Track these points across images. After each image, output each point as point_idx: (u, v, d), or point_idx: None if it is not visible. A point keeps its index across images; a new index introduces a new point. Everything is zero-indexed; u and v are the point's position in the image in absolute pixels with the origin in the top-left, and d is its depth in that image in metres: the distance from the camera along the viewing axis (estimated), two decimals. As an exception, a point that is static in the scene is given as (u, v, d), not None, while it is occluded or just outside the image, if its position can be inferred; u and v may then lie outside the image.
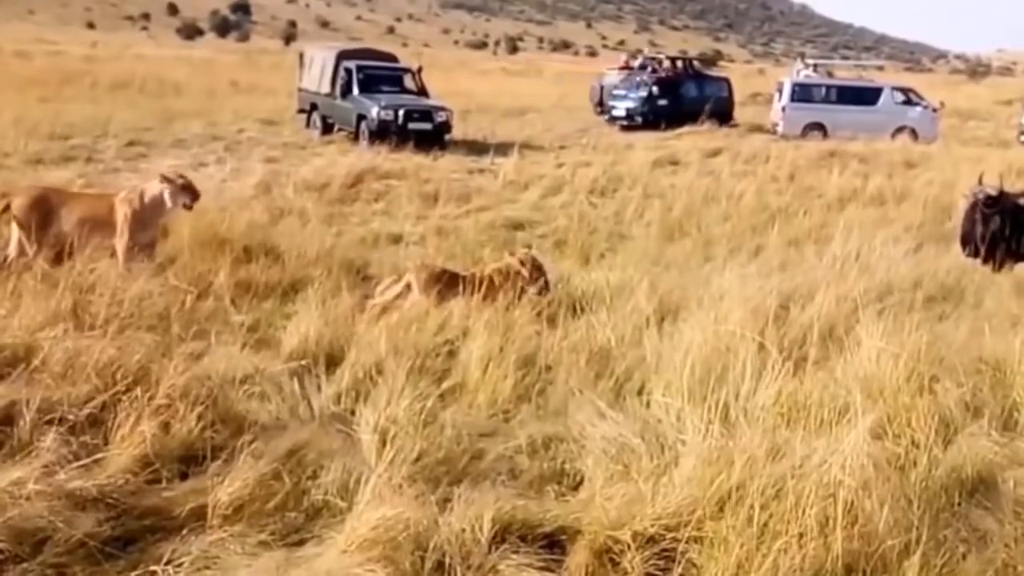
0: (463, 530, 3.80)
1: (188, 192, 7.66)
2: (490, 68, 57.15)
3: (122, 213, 7.47)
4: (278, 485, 4.20)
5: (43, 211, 7.45)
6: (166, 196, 7.56)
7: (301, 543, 3.87)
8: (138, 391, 4.68)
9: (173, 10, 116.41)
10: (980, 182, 8.09)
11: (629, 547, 3.75)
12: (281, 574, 3.55)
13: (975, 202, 7.80)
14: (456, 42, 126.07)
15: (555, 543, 3.94)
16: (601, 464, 4.49)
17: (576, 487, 4.46)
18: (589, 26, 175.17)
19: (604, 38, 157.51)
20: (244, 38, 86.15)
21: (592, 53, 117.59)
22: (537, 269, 7.61)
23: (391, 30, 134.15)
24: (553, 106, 30.64)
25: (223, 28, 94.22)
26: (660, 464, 4.40)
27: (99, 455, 4.27)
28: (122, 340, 5.27)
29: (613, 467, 4.44)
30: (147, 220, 7.54)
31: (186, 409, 4.62)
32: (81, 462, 4.14)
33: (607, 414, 4.98)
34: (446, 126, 20.20)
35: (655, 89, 26.80)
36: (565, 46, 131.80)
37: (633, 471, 4.36)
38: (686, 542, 3.77)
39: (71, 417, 4.48)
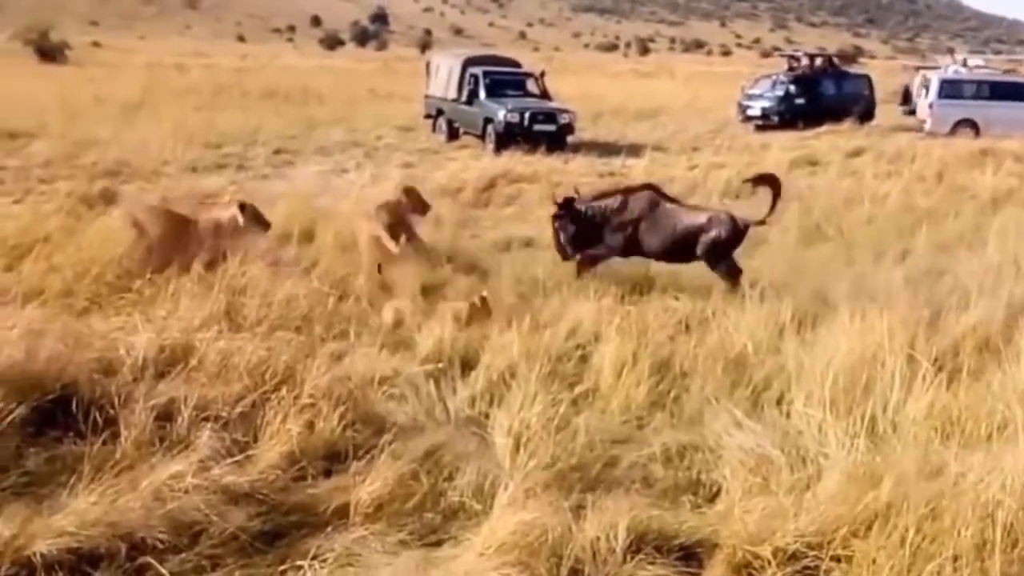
0: (598, 538, 3.79)
1: (261, 223, 7.94)
2: (621, 70, 56.83)
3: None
4: (416, 485, 4.31)
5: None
6: (239, 221, 7.79)
7: (439, 544, 3.94)
8: (284, 391, 4.89)
9: (316, 22, 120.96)
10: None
11: (769, 563, 3.66)
12: (420, 574, 3.62)
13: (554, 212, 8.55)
14: (586, 45, 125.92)
15: (691, 555, 3.89)
16: (739, 476, 4.40)
17: (712, 498, 4.39)
18: (723, 25, 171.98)
19: (739, 37, 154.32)
20: (382, 47, 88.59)
21: (726, 52, 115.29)
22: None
23: (522, 35, 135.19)
24: (685, 107, 30.18)
25: (362, 38, 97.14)
26: (802, 478, 4.29)
27: (250, 451, 4.48)
28: (271, 341, 5.52)
29: (751, 479, 4.35)
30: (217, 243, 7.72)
31: (329, 409, 4.79)
32: (234, 458, 4.35)
33: (744, 424, 4.88)
34: (569, 128, 20.47)
35: (792, 87, 26.09)
36: (698, 46, 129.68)
37: (772, 484, 4.27)
38: (831, 560, 3.65)
39: (224, 415, 4.72)
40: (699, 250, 8.25)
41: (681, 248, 8.29)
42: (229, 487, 4.14)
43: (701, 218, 8.41)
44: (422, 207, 8.98)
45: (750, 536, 3.77)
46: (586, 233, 8.41)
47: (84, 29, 77.99)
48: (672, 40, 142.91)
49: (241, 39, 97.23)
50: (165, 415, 4.66)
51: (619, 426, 5.20)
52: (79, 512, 3.79)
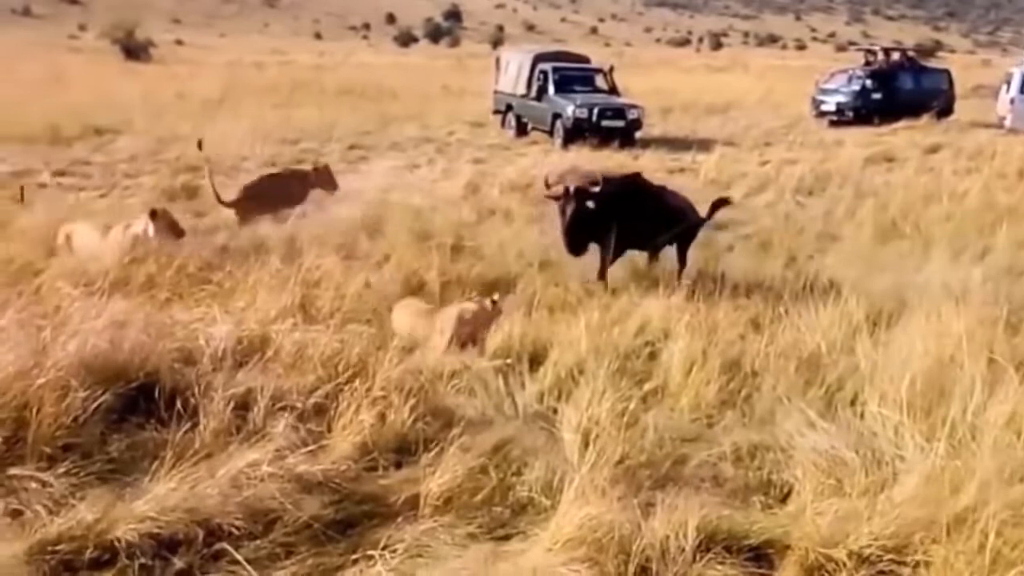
0: (666, 536, 3.78)
1: (174, 231, 7.95)
2: (693, 65, 56.14)
3: (110, 247, 7.86)
4: (485, 479, 4.35)
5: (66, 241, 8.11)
6: (150, 232, 7.82)
7: (507, 538, 3.97)
8: (357, 383, 4.98)
9: (391, 19, 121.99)
10: (547, 185, 8.08)
11: (843, 566, 3.60)
12: (489, 567, 3.65)
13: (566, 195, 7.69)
14: (658, 40, 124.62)
15: (762, 556, 3.85)
16: (811, 476, 4.34)
17: (784, 499, 4.34)
18: (798, 19, 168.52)
19: (814, 31, 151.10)
20: (455, 43, 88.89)
21: (800, 47, 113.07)
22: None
23: (594, 30, 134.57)
24: (758, 102, 29.72)
25: (435, 34, 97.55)
26: (876, 480, 4.22)
27: (323, 442, 4.58)
28: (344, 333, 5.62)
29: (824, 480, 4.29)
30: (131, 251, 7.78)
31: (400, 401, 4.87)
32: (308, 448, 4.45)
33: (817, 424, 4.81)
34: (637, 123, 20.43)
35: (868, 82, 25.54)
36: (772, 40, 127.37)
37: (846, 486, 4.20)
38: (907, 565, 3.58)
39: (299, 405, 4.83)
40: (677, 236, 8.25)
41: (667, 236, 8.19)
42: (303, 476, 4.23)
43: (682, 203, 8.44)
44: (332, 185, 10.04)
45: (823, 538, 3.72)
46: (594, 226, 7.78)
47: (167, 27, 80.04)
48: (745, 34, 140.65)
49: (318, 36, 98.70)
50: (243, 404, 4.79)
51: (689, 424, 5.17)
52: (159, 498, 3.92)
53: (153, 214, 7.93)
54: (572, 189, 7.69)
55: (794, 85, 32.49)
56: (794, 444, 4.69)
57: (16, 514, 3.86)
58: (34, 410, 4.39)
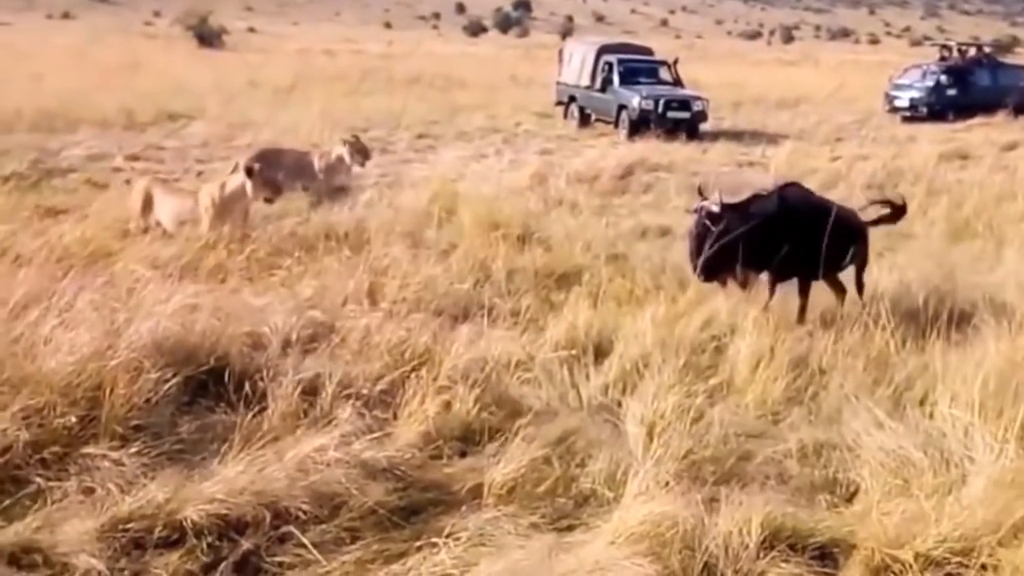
0: (730, 533, 3.76)
1: (269, 187, 8.12)
2: (764, 59, 55.21)
3: (204, 204, 8.09)
4: (548, 470, 4.37)
5: (145, 200, 8.41)
6: (248, 188, 8.02)
7: (570, 529, 3.99)
8: (423, 371, 5.04)
9: (461, 9, 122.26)
10: (701, 194, 6.96)
11: (910, 567, 3.55)
12: (551, 558, 3.65)
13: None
14: (729, 33, 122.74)
15: (827, 555, 3.81)
16: (878, 476, 4.28)
17: (850, 498, 4.29)
18: (871, 13, 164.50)
19: (887, 25, 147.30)
20: (524, 34, 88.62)
21: (874, 41, 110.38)
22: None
23: (664, 22, 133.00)
24: (829, 97, 29.14)
25: (505, 25, 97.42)
26: (944, 482, 4.15)
27: (389, 429, 4.64)
28: (410, 321, 5.67)
29: (891, 481, 4.23)
30: (226, 209, 8.05)
31: (465, 390, 4.91)
32: (373, 434, 4.50)
33: (885, 423, 4.72)
34: (702, 115, 20.33)
35: (943, 78, 24.96)
36: (844, 34, 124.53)
37: (914, 487, 4.13)
38: (974, 569, 3.51)
39: (365, 392, 4.90)
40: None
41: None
42: (369, 462, 4.28)
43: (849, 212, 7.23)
44: (364, 155, 11.09)
45: (889, 539, 3.66)
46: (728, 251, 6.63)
47: (240, 15, 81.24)
48: (817, 28, 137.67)
49: (388, 26, 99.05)
50: (310, 390, 4.86)
51: (754, 420, 5.11)
52: (228, 480, 3.99)
53: (249, 171, 8.10)
54: (699, 209, 6.81)
55: (866, 80, 31.80)
56: (861, 443, 4.61)
57: (89, 492, 3.96)
58: (108, 390, 4.49)
